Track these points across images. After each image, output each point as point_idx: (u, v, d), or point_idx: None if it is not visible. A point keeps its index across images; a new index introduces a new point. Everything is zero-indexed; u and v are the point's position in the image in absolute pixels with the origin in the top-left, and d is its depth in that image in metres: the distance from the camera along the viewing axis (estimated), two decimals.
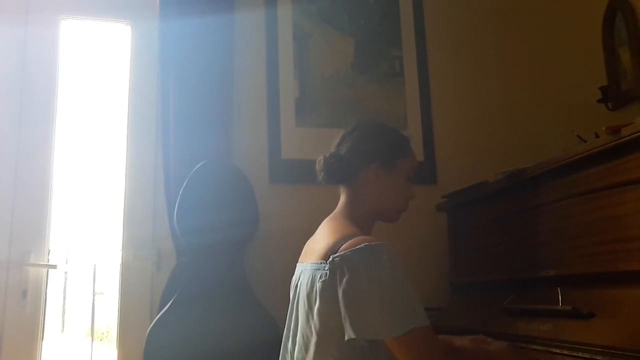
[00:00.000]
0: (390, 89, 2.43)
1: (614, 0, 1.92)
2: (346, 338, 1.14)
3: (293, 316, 1.34)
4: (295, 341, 1.30)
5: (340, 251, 1.19)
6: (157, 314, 1.91)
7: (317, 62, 2.38)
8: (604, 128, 1.29)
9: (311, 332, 1.23)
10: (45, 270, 2.10)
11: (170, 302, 1.87)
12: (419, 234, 2.26)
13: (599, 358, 1.15)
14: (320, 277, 1.21)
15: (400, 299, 1.14)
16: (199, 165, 1.96)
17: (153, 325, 1.85)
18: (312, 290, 1.23)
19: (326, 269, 1.20)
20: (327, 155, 1.39)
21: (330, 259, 1.20)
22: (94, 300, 3.32)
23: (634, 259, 1.20)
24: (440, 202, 2.11)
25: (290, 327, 1.35)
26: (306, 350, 1.24)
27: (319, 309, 1.20)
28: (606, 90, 1.91)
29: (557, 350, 1.26)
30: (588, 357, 1.18)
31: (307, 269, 1.29)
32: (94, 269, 3.27)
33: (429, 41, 2.51)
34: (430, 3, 2.55)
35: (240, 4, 2.29)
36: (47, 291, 2.15)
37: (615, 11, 1.92)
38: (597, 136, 1.49)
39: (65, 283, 3.18)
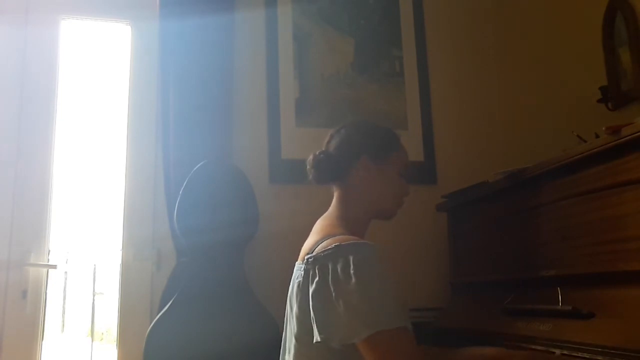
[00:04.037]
0: (390, 89, 2.43)
1: (614, 0, 1.92)
2: (314, 341, 1.12)
3: (285, 318, 1.35)
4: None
5: (315, 252, 1.18)
6: (157, 314, 1.91)
7: (317, 62, 2.38)
8: (604, 128, 1.29)
9: (291, 334, 1.23)
10: (45, 270, 2.11)
11: (170, 302, 1.87)
12: (419, 234, 2.26)
13: (599, 358, 1.15)
14: (297, 279, 1.21)
15: (367, 300, 1.08)
16: (199, 165, 1.96)
17: (153, 325, 1.85)
18: (292, 293, 1.23)
19: (302, 269, 1.20)
20: (316, 153, 1.38)
21: (305, 260, 1.19)
22: (94, 300, 3.32)
23: (634, 259, 1.20)
24: (440, 202, 2.11)
25: (285, 330, 1.35)
26: (288, 352, 1.24)
27: (295, 312, 1.20)
28: (606, 90, 1.91)
29: (557, 351, 1.25)
30: (588, 357, 1.17)
31: (294, 271, 1.29)
32: (94, 269, 3.27)
33: (429, 41, 2.51)
34: (430, 3, 2.55)
35: (240, 4, 2.29)
36: (47, 291, 2.15)
37: (615, 11, 1.92)
38: (597, 136, 1.49)
39: (65, 283, 3.18)
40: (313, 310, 1.13)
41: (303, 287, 1.18)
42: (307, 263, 1.18)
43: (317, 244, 1.21)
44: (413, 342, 1.11)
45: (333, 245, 1.16)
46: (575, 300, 1.31)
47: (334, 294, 1.11)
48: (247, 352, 1.79)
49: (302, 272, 1.19)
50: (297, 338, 1.19)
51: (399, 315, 1.10)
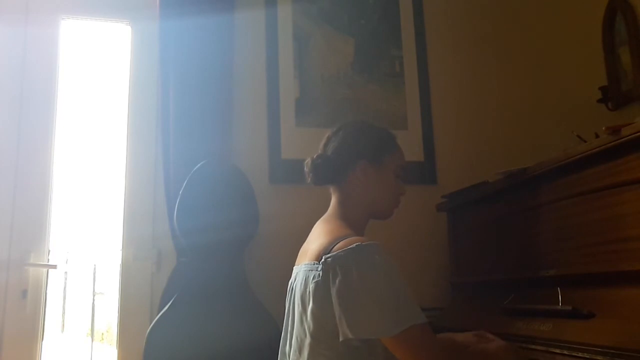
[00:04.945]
0: (390, 89, 2.43)
1: (614, 0, 1.92)
2: (341, 338, 1.14)
3: (289, 319, 1.34)
4: (292, 344, 1.30)
5: (333, 251, 1.19)
6: (157, 314, 1.91)
7: (317, 62, 2.38)
8: (604, 128, 1.29)
9: (305, 333, 1.23)
10: (45, 270, 2.10)
11: (170, 302, 1.87)
12: (419, 234, 2.26)
13: (599, 358, 1.15)
14: (313, 278, 1.21)
15: (395, 297, 1.14)
16: (199, 165, 1.96)
17: (153, 325, 1.85)
18: (306, 292, 1.23)
19: (319, 269, 1.20)
20: (314, 156, 1.39)
21: (323, 259, 1.20)
22: (94, 300, 3.32)
23: (634, 259, 1.20)
24: (440, 202, 2.11)
25: (287, 330, 1.35)
26: (300, 352, 1.24)
27: (312, 310, 1.20)
28: (606, 90, 1.91)
29: (557, 350, 1.26)
30: (588, 357, 1.18)
31: (301, 271, 1.29)
32: (94, 269, 3.27)
33: (429, 41, 2.51)
34: (430, 3, 2.55)
35: (240, 4, 2.29)
36: (47, 291, 2.15)
37: (615, 11, 1.92)
38: (597, 136, 1.49)
39: (65, 283, 3.18)
40: (340, 308, 1.14)
41: (322, 286, 1.18)
42: (325, 262, 1.19)
43: (331, 244, 1.22)
44: (436, 336, 1.18)
45: (354, 245, 1.17)
46: (575, 300, 1.31)
47: (363, 291, 1.13)
48: (247, 352, 1.79)
49: (320, 272, 1.19)
50: (315, 336, 1.20)
51: (421, 312, 1.15)
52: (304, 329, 1.23)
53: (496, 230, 1.79)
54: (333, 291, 1.16)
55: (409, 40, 2.49)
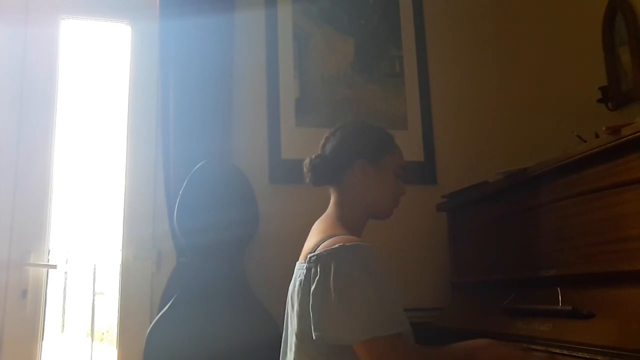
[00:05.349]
0: (390, 89, 2.43)
1: (614, 0, 1.92)
2: (313, 338, 1.14)
3: (287, 319, 1.35)
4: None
5: (318, 251, 1.19)
6: (157, 314, 1.91)
7: (317, 62, 2.38)
8: (604, 128, 1.29)
9: (293, 332, 1.23)
10: (45, 270, 2.10)
11: (170, 302, 1.87)
12: (419, 234, 2.26)
13: (599, 358, 1.15)
14: (299, 277, 1.22)
15: (366, 304, 1.12)
16: (199, 165, 1.96)
17: (153, 325, 1.85)
18: (294, 291, 1.24)
19: (304, 268, 1.20)
20: (313, 157, 1.40)
21: (308, 258, 1.20)
22: (94, 300, 3.32)
23: (634, 259, 1.20)
24: (440, 202, 2.11)
25: (286, 329, 1.36)
26: (290, 350, 1.26)
27: (296, 310, 1.21)
28: (606, 90, 1.91)
29: (557, 350, 1.25)
30: (588, 357, 1.17)
31: (295, 270, 1.30)
32: (94, 269, 3.27)
33: (429, 41, 2.51)
34: (430, 3, 2.55)
35: (240, 4, 2.29)
36: (47, 291, 2.15)
37: (615, 11, 1.92)
38: (597, 136, 1.49)
39: (65, 283, 3.18)
40: (311, 309, 1.14)
41: (304, 286, 1.19)
42: (309, 261, 1.19)
43: (319, 243, 1.22)
44: (406, 347, 1.15)
45: (337, 245, 1.17)
46: (575, 300, 1.31)
47: (333, 295, 1.12)
48: (247, 352, 1.79)
49: (304, 271, 1.20)
50: (298, 336, 1.20)
51: (395, 320, 1.13)
52: (293, 328, 1.24)
53: (496, 230, 1.79)
54: (311, 290, 1.16)
55: (409, 40, 2.49)
